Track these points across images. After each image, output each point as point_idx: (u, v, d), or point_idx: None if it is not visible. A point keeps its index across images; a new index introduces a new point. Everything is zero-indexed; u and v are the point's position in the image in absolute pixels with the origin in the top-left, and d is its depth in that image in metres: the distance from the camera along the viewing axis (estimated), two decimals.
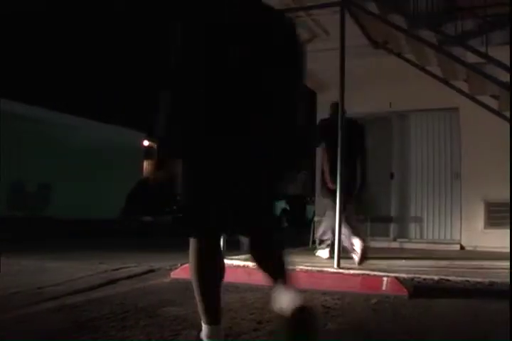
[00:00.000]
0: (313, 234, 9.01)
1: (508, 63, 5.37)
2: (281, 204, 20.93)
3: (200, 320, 2.59)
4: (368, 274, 4.94)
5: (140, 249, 8.57)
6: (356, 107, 7.13)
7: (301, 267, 5.33)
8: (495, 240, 8.10)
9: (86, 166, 20.20)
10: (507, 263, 6.39)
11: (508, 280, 4.87)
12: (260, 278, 4.93)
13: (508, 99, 5.93)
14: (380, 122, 9.50)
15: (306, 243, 8.89)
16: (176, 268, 5.40)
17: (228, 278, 5.01)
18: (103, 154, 21.53)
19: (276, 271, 2.54)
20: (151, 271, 5.79)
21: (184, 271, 5.21)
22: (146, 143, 30.36)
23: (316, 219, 8.96)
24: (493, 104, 6.72)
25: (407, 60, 6.78)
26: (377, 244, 8.74)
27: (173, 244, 9.97)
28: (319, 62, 7.88)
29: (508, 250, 7.63)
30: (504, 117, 6.35)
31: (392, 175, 9.27)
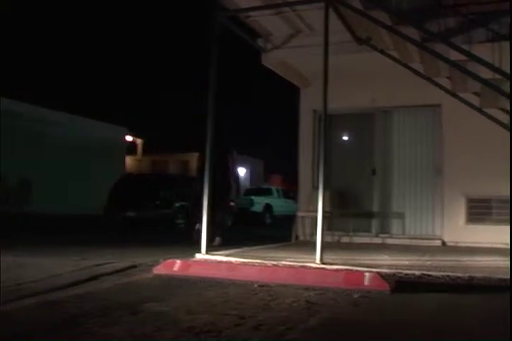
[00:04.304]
0: (296, 229, 9.04)
1: (490, 60, 5.41)
2: (264, 200, 20.98)
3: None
4: (350, 269, 4.97)
5: (123, 244, 8.52)
6: (339, 103, 7.15)
7: (284, 262, 5.36)
8: (476, 236, 8.20)
9: (67, 161, 20.04)
10: (487, 258, 6.49)
11: (489, 275, 4.94)
12: (243, 274, 5.00)
13: (491, 96, 5.99)
14: (363, 118, 9.53)
15: (289, 238, 8.92)
16: (158, 264, 5.37)
17: (211, 273, 5.07)
18: (84, 149, 21.36)
19: None
20: (134, 266, 5.75)
21: (166, 266, 5.20)
22: (128, 138, 30.25)
23: (299, 214, 8.98)
24: (475, 101, 6.78)
25: (391, 57, 6.81)
26: (360, 239, 8.81)
27: (155, 240, 9.98)
28: (303, 58, 7.91)
29: (489, 245, 7.76)
30: (485, 114, 6.41)
31: (374, 171, 9.32)
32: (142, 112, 37.31)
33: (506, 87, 5.46)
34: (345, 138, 9.91)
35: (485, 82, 5.60)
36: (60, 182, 18.64)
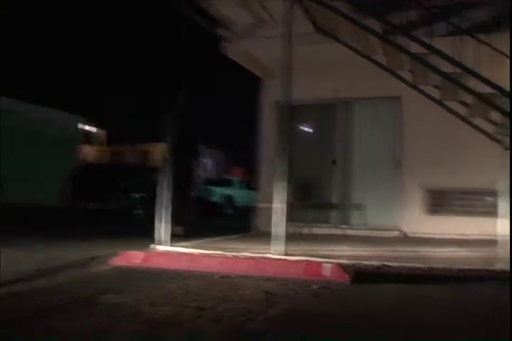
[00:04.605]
0: (257, 220, 9.04)
1: (450, 54, 5.47)
2: (224, 191, 20.93)
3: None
4: (310, 261, 5.00)
5: (82, 236, 8.35)
6: (301, 93, 7.11)
7: (244, 254, 5.36)
8: (435, 227, 8.35)
9: (20, 151, 19.53)
10: (446, 249, 6.61)
11: (448, 266, 5.03)
12: (204, 265, 4.96)
13: (451, 90, 6.07)
14: (325, 109, 9.56)
15: (250, 229, 8.91)
16: (117, 256, 5.29)
17: (172, 265, 5.01)
18: (37, 138, 20.84)
19: None
20: (92, 258, 5.64)
21: (124, 258, 5.12)
22: (85, 127, 29.68)
23: (260, 205, 8.97)
24: (436, 94, 6.85)
25: (353, 49, 6.82)
26: (319, 230, 8.87)
27: (117, 231, 9.83)
28: (266, 48, 7.85)
29: (448, 236, 7.89)
30: (445, 107, 6.49)
31: (334, 162, 9.37)
32: (104, 103, 36.64)
33: (466, 81, 5.54)
34: (307, 129, 9.93)
35: (445, 76, 5.67)
36: (15, 173, 18.16)
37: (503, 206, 5.21)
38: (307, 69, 7.98)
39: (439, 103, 6.60)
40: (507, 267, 4.79)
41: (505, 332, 2.89)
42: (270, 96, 9.37)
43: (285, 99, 5.58)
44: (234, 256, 5.27)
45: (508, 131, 5.52)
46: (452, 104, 6.83)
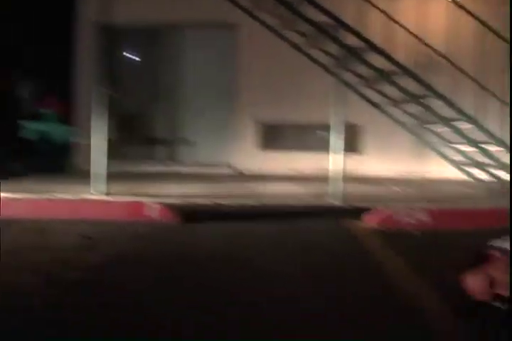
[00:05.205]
0: (76, 158, 8.25)
1: None
2: (38, 127, 19.19)
3: None
4: (136, 201, 4.64)
5: None
6: (124, 15, 6.26)
7: (60, 195, 4.81)
8: (269, 163, 8.26)
9: None
10: (279, 186, 6.52)
11: (281, 202, 4.96)
12: (14, 211, 4.28)
13: (290, 19, 5.73)
14: (151, 34, 8.74)
15: (67, 168, 8.10)
16: None
17: None
18: None
19: None
20: None
21: None
22: None
23: (79, 142, 8.10)
24: (275, 23, 6.41)
25: None
26: (147, 168, 8.22)
27: None
28: None
29: (281, 172, 7.83)
30: (283, 37, 6.12)
31: (160, 93, 8.72)
32: None
33: (303, 8, 5.23)
34: (133, 56, 9.05)
35: (283, 3, 5.29)
36: None
37: (335, 141, 5.15)
38: None
39: (277, 32, 6.19)
40: (338, 202, 4.87)
41: (331, 264, 2.97)
42: (87, 15, 8.15)
43: (104, 19, 4.88)
44: (48, 198, 4.75)
45: (345, 63, 5.42)
46: (291, 36, 6.45)
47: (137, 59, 9.07)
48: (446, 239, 3.75)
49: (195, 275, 2.84)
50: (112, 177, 5.05)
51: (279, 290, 2.55)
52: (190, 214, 4.41)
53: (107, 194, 4.83)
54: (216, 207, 4.83)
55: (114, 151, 7.74)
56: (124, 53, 8.89)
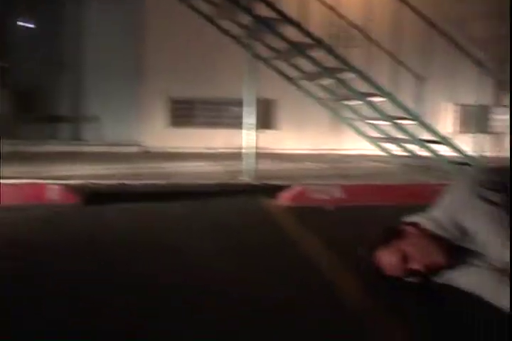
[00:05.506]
0: None
1: None
2: None
3: None
4: (33, 183, 4.31)
5: None
6: None
7: None
8: (178, 140, 7.99)
9: None
10: (190, 164, 6.35)
11: (191, 181, 4.81)
12: None
13: None
14: None
15: None
16: None
17: None
18: None
19: None
20: None
21: None
22: None
23: None
24: None
25: None
26: (49, 148, 7.75)
27: None
28: None
29: (191, 150, 7.61)
30: (193, 7, 5.81)
31: (62, 66, 8.20)
32: None
33: None
34: (27, 23, 8.41)
35: None
36: None
37: (247, 117, 4.97)
38: None
39: (186, 1, 5.86)
40: (251, 180, 4.79)
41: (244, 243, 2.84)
42: None
43: None
44: None
45: (257, 35, 5.22)
46: (202, 5, 6.15)
47: (32, 26, 8.41)
48: (360, 214, 3.66)
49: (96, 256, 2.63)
50: (9, 158, 4.66)
51: (189, 269, 2.35)
52: (92, 196, 4.12)
53: (2, 177, 4.44)
54: (122, 187, 4.56)
55: (11, 130, 7.25)
56: (17, 20, 8.24)
